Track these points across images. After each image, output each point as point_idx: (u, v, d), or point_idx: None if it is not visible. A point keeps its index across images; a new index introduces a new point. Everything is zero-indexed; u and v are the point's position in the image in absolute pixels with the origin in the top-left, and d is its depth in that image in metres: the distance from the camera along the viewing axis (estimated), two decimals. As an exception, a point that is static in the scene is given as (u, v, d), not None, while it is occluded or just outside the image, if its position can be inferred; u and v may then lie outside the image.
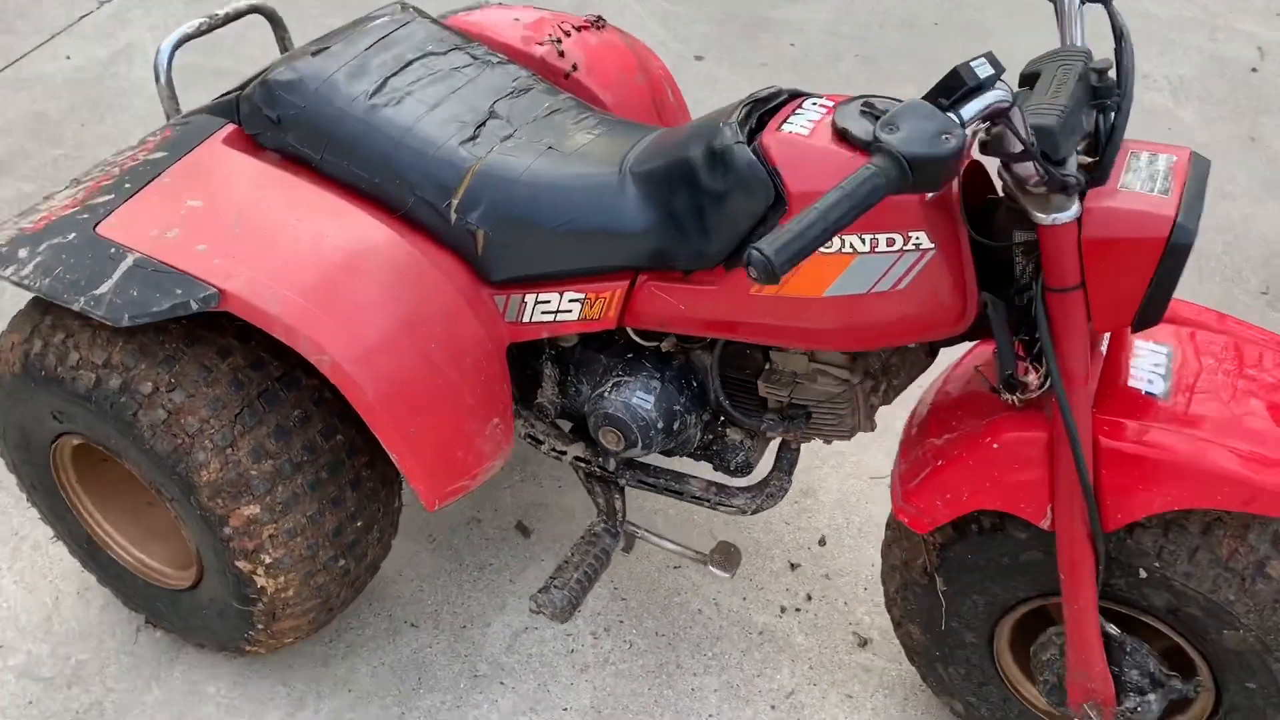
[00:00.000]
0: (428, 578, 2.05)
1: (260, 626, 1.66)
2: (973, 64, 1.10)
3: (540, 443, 1.81)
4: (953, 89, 1.11)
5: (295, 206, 1.55)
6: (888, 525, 1.72)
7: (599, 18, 2.03)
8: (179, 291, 1.43)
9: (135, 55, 3.47)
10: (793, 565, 2.09)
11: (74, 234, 1.51)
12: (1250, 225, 2.97)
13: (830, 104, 1.43)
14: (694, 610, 2.02)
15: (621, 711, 1.86)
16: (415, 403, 1.50)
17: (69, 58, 3.44)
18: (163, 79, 1.82)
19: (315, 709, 1.85)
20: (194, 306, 1.42)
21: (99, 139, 3.11)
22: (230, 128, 1.68)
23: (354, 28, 1.78)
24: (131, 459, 1.57)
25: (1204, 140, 3.30)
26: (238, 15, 1.90)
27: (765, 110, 1.47)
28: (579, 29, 1.97)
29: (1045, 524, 1.40)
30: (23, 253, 1.51)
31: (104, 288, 1.44)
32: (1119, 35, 1.29)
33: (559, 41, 1.92)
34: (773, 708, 1.88)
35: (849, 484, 2.24)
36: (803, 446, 2.09)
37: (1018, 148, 1.15)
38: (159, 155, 1.63)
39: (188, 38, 1.84)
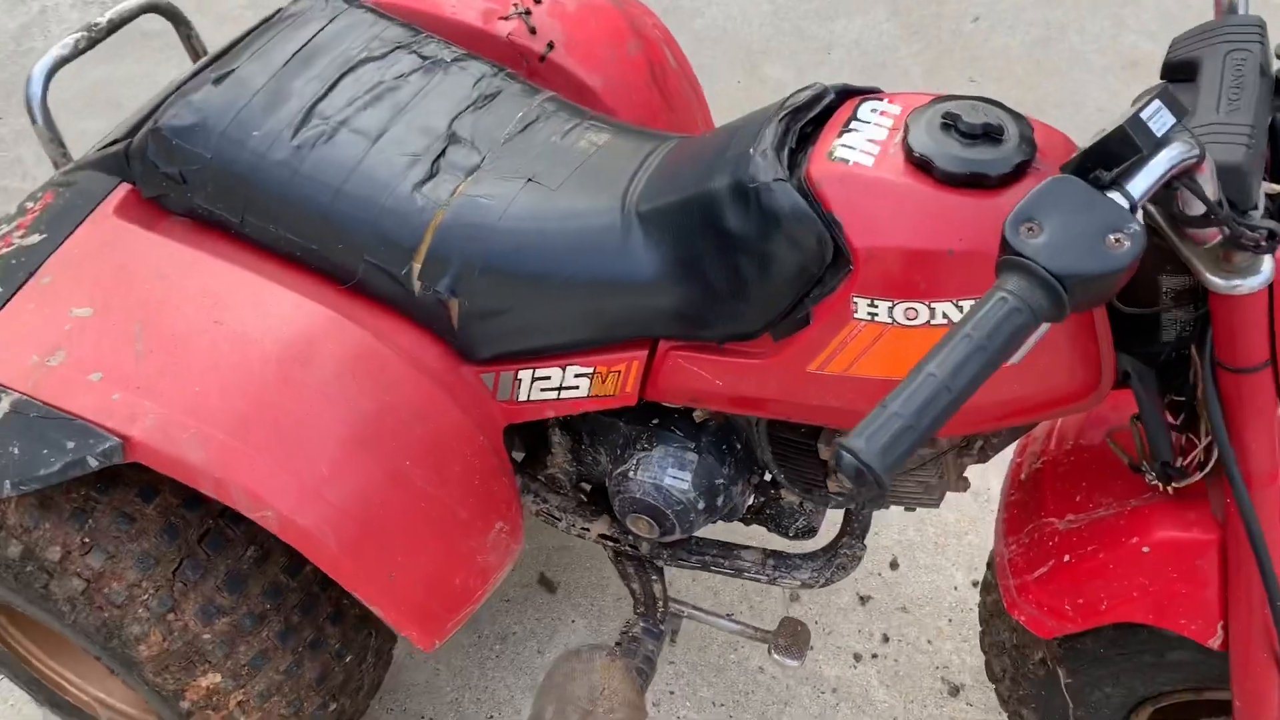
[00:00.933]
0: (442, 658, 1.77)
1: (245, 788, 1.39)
2: (1144, 115, 0.73)
3: (558, 519, 1.50)
4: (1115, 151, 0.75)
5: (210, 302, 1.20)
6: (985, 585, 1.43)
7: (573, -28, 1.62)
8: (70, 445, 1.10)
9: (51, 21, 3.05)
10: (863, 599, 1.81)
11: (-69, 368, 1.18)
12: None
13: (896, 110, 1.06)
14: (754, 670, 1.74)
15: (683, 807, 1.60)
16: (392, 540, 1.18)
17: (-24, 34, 3.02)
18: (39, 118, 1.45)
19: (330, 840, 1.59)
20: (92, 464, 1.09)
21: (18, 135, 2.73)
22: (123, 189, 1.32)
23: (264, 32, 1.40)
24: (60, 628, 1.27)
25: None
26: (124, 21, 1.51)
27: (806, 122, 1.11)
28: (548, -7, 1.57)
29: (1215, 644, 1.09)
30: None
31: (-25, 444, 1.11)
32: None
33: (527, 13, 1.52)
34: (858, 786, 1.61)
35: (917, 488, 1.93)
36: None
37: (1200, 210, 0.80)
38: (34, 239, 1.28)
39: (63, 61, 1.45)
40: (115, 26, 1.50)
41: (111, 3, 3.11)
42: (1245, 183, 0.82)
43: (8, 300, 1.22)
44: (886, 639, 1.76)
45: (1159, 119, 0.74)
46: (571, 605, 1.83)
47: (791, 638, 1.49)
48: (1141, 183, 0.74)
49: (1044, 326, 0.78)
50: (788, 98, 1.13)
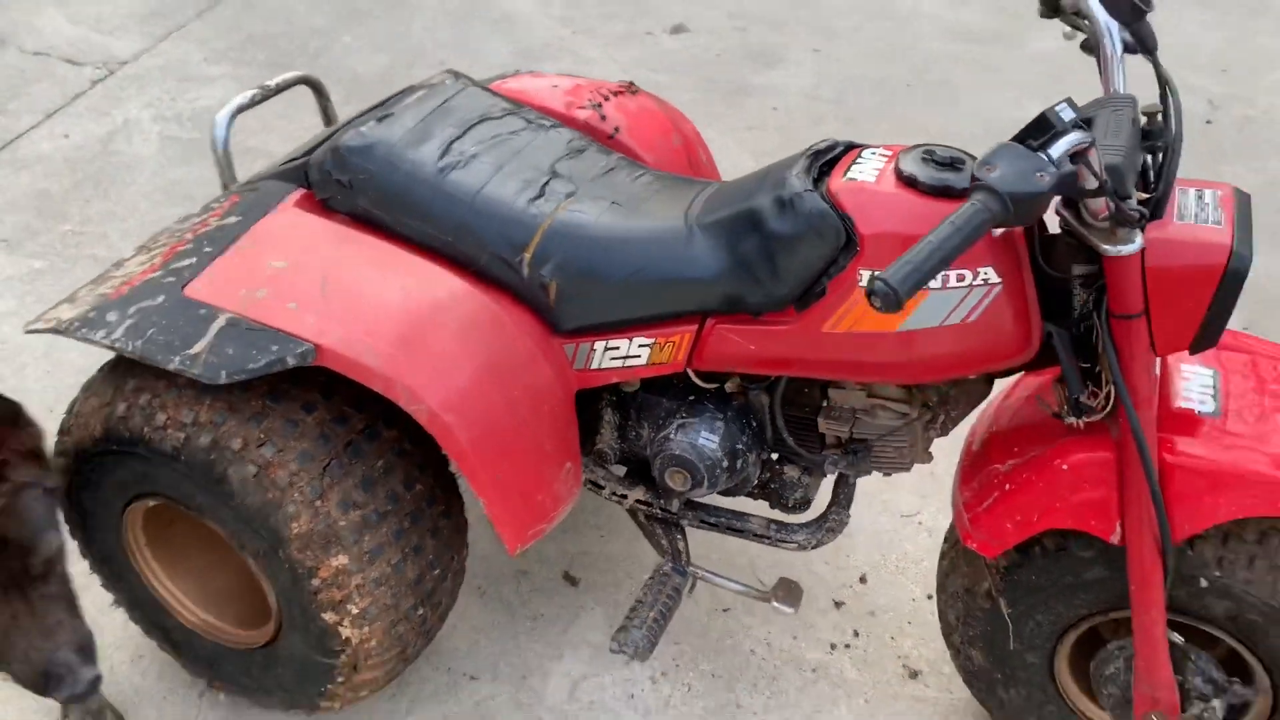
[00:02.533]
0: (482, 630, 2.07)
1: (340, 680, 1.68)
2: (1057, 109, 1.20)
3: (601, 488, 1.86)
4: (1040, 130, 1.20)
5: (376, 265, 1.60)
6: (943, 556, 1.79)
7: (631, 83, 2.12)
8: (274, 348, 1.47)
9: (134, 132, 3.50)
10: (837, 603, 2.15)
11: (162, 297, 1.55)
12: (1224, 266, 3.12)
13: (889, 153, 1.52)
14: (747, 651, 2.06)
15: (688, 753, 1.89)
16: (503, 448, 1.55)
17: (67, 136, 3.46)
18: (220, 149, 1.87)
19: (384, 765, 1.85)
20: (290, 362, 1.46)
21: (105, 215, 3.13)
22: (300, 192, 1.73)
23: (410, 94, 1.85)
24: (217, 516, 1.59)
25: (1172, 188, 3.47)
26: (287, 85, 1.96)
27: (825, 161, 1.56)
28: (615, 94, 2.06)
29: (1115, 539, 1.47)
30: (111, 317, 1.54)
31: (198, 347, 1.47)
32: (1164, 83, 1.40)
33: (599, 106, 2.00)
34: (834, 741, 1.92)
35: (882, 522, 2.31)
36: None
37: (1093, 184, 1.25)
38: (232, 220, 1.68)
39: (242, 108, 1.89)
40: (281, 89, 1.95)
41: (178, 119, 3.59)
42: (1123, 179, 1.27)
43: (217, 256, 1.60)
44: (857, 634, 2.10)
45: (1066, 112, 1.20)
46: (590, 597, 2.15)
47: (787, 591, 1.84)
48: (1055, 150, 1.19)
49: (992, 279, 1.21)
50: (812, 145, 1.59)
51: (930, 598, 2.16)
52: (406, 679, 1.98)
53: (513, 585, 2.16)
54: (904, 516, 2.32)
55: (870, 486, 2.37)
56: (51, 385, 2.56)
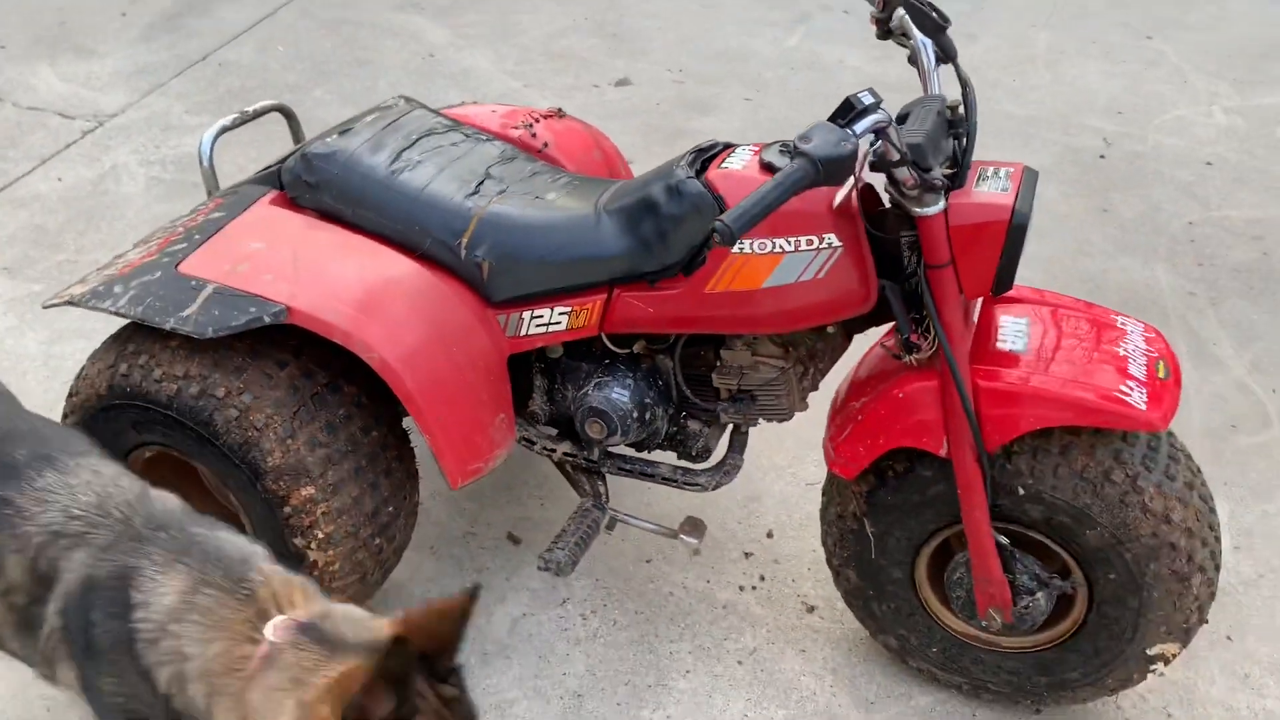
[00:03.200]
0: (434, 579, 2.37)
1: (308, 601, 1.96)
2: (859, 94, 1.55)
3: (533, 444, 2.18)
4: (846, 112, 1.56)
5: (338, 247, 1.93)
6: (824, 493, 2.11)
7: (560, 109, 2.48)
8: (253, 309, 1.79)
9: (122, 174, 3.84)
10: (746, 554, 2.46)
11: (159, 273, 1.87)
12: (1106, 277, 3.51)
13: (755, 148, 1.88)
14: (666, 593, 2.36)
15: (613, 674, 2.18)
16: (444, 395, 1.87)
17: (60, 179, 3.79)
18: (205, 162, 2.20)
19: (347, 688, 2.13)
20: (266, 320, 1.78)
21: (97, 244, 3.45)
22: (274, 192, 2.07)
23: (367, 115, 2.20)
24: (203, 456, 1.89)
25: (1065, 211, 3.87)
26: (264, 111, 2.30)
27: (706, 157, 1.91)
28: (545, 117, 2.42)
29: (943, 451, 1.80)
30: (116, 289, 1.86)
31: (189, 310, 1.80)
32: (964, 83, 1.77)
33: (530, 126, 2.36)
34: (740, 663, 2.22)
35: (788, 489, 2.63)
36: (747, 460, 2.46)
37: (896, 156, 1.60)
38: (217, 215, 2.01)
39: (225, 129, 2.22)
40: (259, 114, 2.29)
41: (162, 163, 3.93)
42: (924, 154, 1.62)
43: (206, 240, 1.93)
44: (763, 578, 2.40)
45: (866, 97, 1.55)
46: (530, 553, 2.45)
47: (692, 526, 2.15)
48: (858, 126, 1.54)
49: (834, 242, 1.55)
50: (696, 145, 1.95)
51: (828, 549, 2.48)
52: (367, 619, 2.26)
53: (462, 545, 2.46)
54: (808, 485, 2.65)
55: (778, 459, 2.69)
56: (50, 388, 2.86)
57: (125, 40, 4.85)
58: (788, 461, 2.70)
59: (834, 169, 1.51)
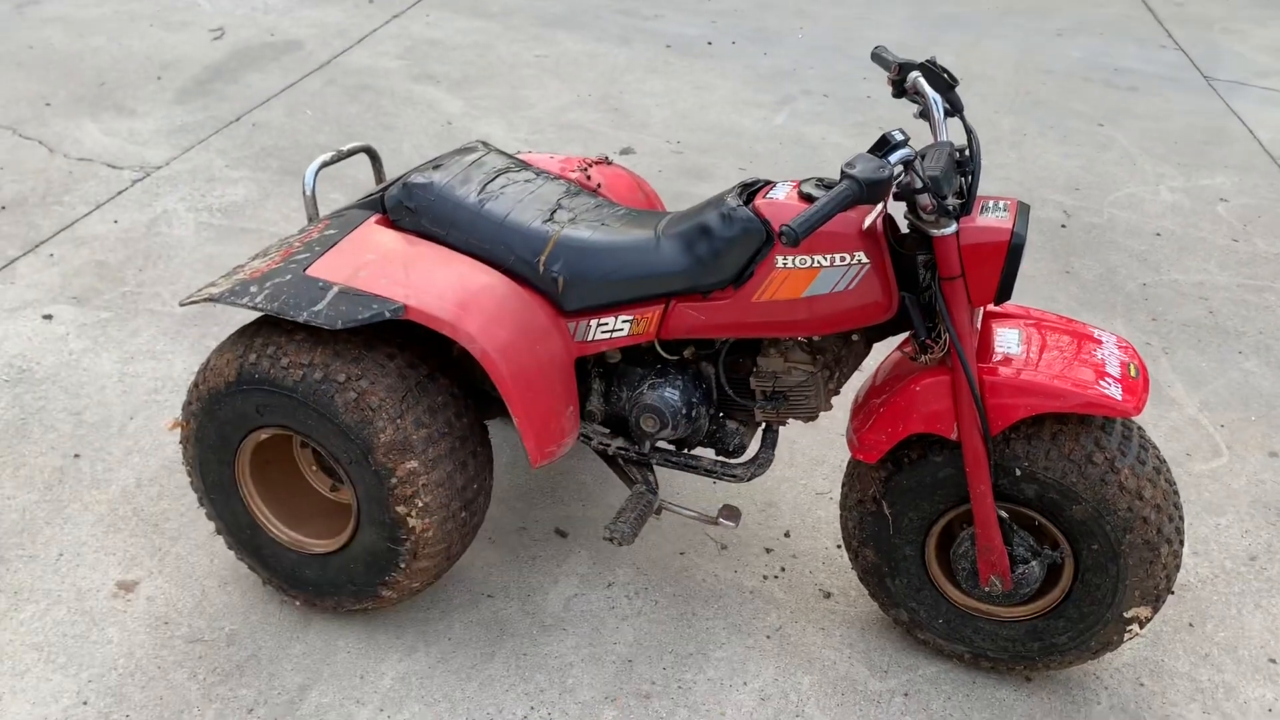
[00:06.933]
0: (495, 565, 2.65)
1: (403, 566, 2.25)
2: (893, 132, 1.94)
3: (590, 439, 2.49)
4: (882, 146, 1.93)
5: (439, 259, 2.26)
6: (844, 483, 2.44)
7: (607, 157, 2.85)
8: (375, 306, 2.11)
9: (173, 219, 4.15)
10: (767, 549, 2.77)
11: (289, 275, 2.19)
12: (1071, 328, 3.92)
13: (793, 183, 2.25)
14: (699, 579, 2.67)
15: (657, 644, 2.47)
16: (530, 383, 2.19)
17: (116, 221, 4.09)
18: (308, 192, 2.54)
19: (425, 653, 2.40)
20: (387, 315, 2.10)
21: (156, 279, 3.74)
22: (377, 215, 2.40)
23: (454, 154, 2.55)
24: (321, 434, 2.18)
25: (1032, 273, 4.30)
26: (354, 152, 2.65)
27: (751, 190, 2.28)
28: (595, 163, 2.79)
29: (954, 435, 2.15)
30: (252, 289, 2.17)
31: (320, 305, 2.11)
32: (969, 131, 2.15)
33: (586, 170, 2.73)
34: (768, 638, 2.52)
35: (801, 497, 2.96)
36: (765, 473, 2.78)
37: (919, 184, 1.98)
38: (331, 232, 2.34)
39: (325, 164, 2.56)
40: (351, 153, 2.63)
41: (209, 210, 4.24)
42: (940, 185, 2.00)
43: (326, 251, 2.25)
44: (783, 569, 2.72)
45: (899, 134, 1.93)
46: (577, 544, 2.75)
47: (730, 512, 2.47)
48: (892, 157, 1.92)
49: (863, 259, 1.92)
50: (741, 181, 2.32)
51: (839, 547, 2.80)
52: (437, 596, 2.54)
53: (516, 538, 2.76)
54: (818, 494, 2.98)
55: (789, 472, 3.02)
56: (128, 402, 3.13)
57: (162, 101, 5.19)
58: (799, 474, 3.03)
59: (874, 190, 1.88)
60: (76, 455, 2.92)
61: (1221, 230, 4.78)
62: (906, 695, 2.40)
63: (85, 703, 2.24)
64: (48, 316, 3.49)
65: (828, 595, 2.64)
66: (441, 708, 2.29)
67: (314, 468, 2.56)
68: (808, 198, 2.15)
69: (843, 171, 1.89)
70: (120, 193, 4.31)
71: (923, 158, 2.09)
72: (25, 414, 3.05)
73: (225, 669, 2.34)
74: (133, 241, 3.97)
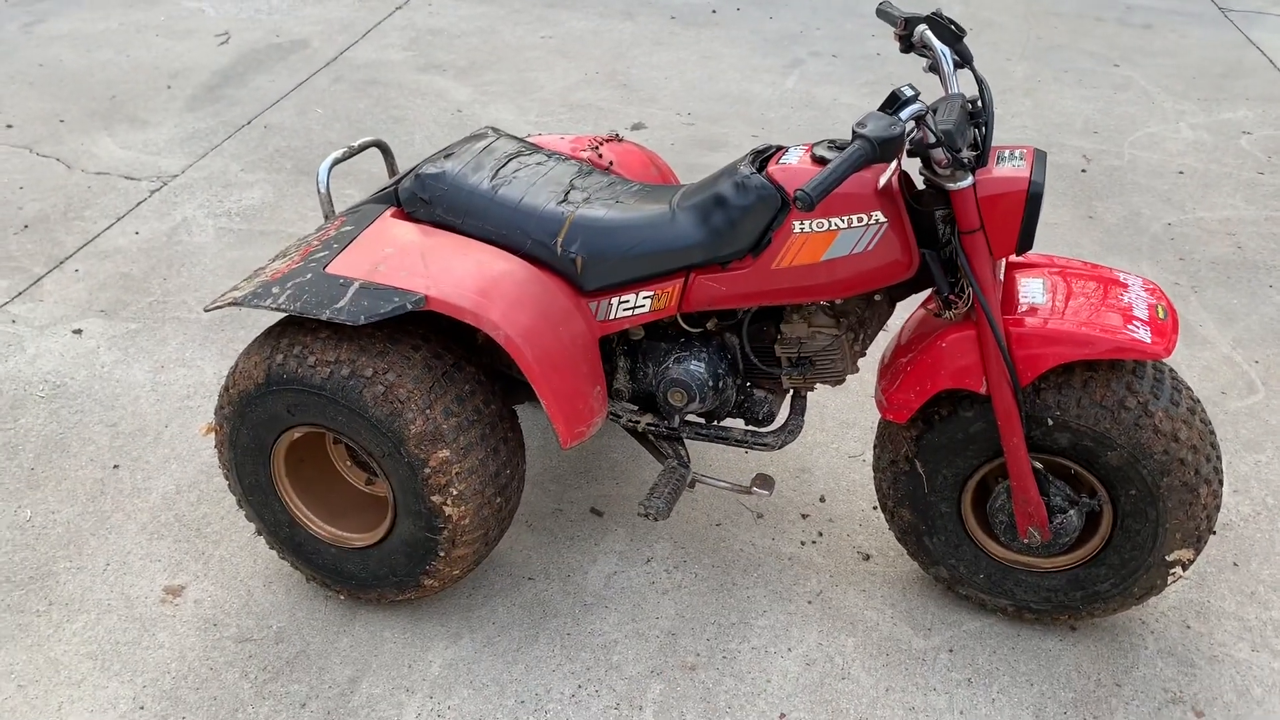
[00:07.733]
0: (533, 548, 2.67)
1: (442, 554, 2.27)
2: (902, 88, 1.92)
3: (619, 417, 2.50)
4: (893, 102, 1.92)
5: (457, 248, 2.27)
6: (875, 446, 2.44)
7: (617, 134, 2.84)
8: (396, 299, 2.12)
9: (192, 227, 4.18)
10: (803, 515, 2.78)
11: (310, 274, 2.20)
12: (1097, 273, 3.88)
13: (806, 147, 2.23)
14: (736, 549, 2.67)
15: (700, 616, 2.49)
16: (555, 365, 2.19)
17: (137, 233, 4.13)
18: (323, 190, 2.54)
19: (470, 639, 2.43)
20: (409, 306, 2.10)
21: (180, 288, 3.77)
22: (392, 209, 2.41)
23: (464, 142, 2.55)
24: (353, 429, 2.20)
25: (1055, 220, 4.25)
26: (366, 146, 2.65)
27: (764, 156, 2.27)
28: (606, 141, 2.78)
29: (983, 389, 2.13)
30: (274, 290, 2.18)
31: (341, 302, 2.12)
32: (980, 81, 2.13)
33: (597, 149, 2.72)
34: (809, 603, 2.52)
35: (834, 462, 2.95)
36: (796, 440, 2.78)
37: (932, 139, 1.96)
38: (348, 229, 2.34)
39: (338, 161, 2.56)
40: (363, 148, 2.64)
41: (228, 215, 4.27)
42: (953, 138, 1.98)
43: (344, 248, 2.26)
44: (821, 534, 2.72)
45: (909, 90, 1.91)
46: (613, 524, 2.76)
47: (763, 480, 2.47)
48: (903, 113, 1.90)
49: (880, 219, 1.91)
50: (754, 148, 2.30)
51: (875, 509, 2.80)
52: (479, 582, 2.57)
53: (552, 519, 2.77)
54: (850, 457, 2.97)
55: (821, 437, 3.02)
56: (161, 410, 3.17)
57: (173, 110, 5.22)
58: (830, 439, 3.02)
59: (887, 147, 1.86)
60: (115, 466, 2.96)
61: (1246, 164, 4.71)
62: (951, 651, 2.40)
63: (142, 708, 2.28)
64: (78, 331, 3.53)
65: (866, 557, 2.64)
66: (490, 691, 2.32)
67: (348, 463, 2.58)
68: (821, 161, 2.13)
69: (854, 131, 1.87)
70: (139, 204, 4.35)
71: (934, 112, 2.07)
72: (63, 429, 3.09)
73: (276, 666, 2.37)
74: (155, 251, 4.01)
